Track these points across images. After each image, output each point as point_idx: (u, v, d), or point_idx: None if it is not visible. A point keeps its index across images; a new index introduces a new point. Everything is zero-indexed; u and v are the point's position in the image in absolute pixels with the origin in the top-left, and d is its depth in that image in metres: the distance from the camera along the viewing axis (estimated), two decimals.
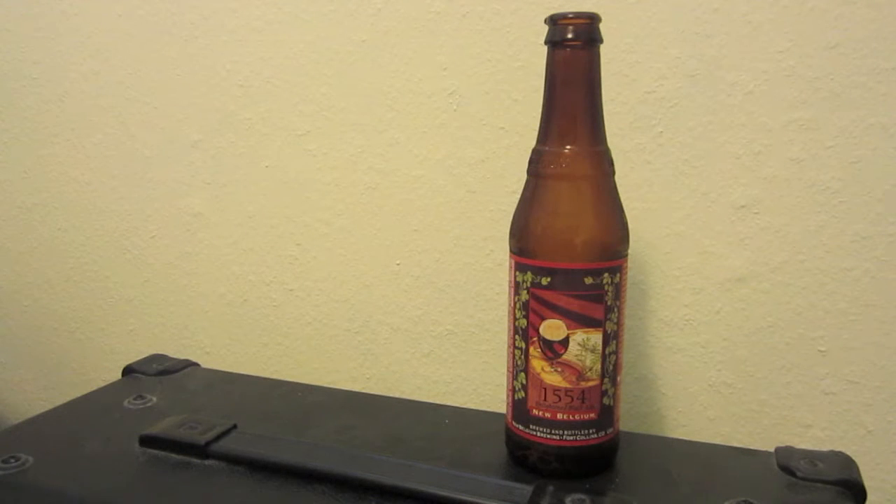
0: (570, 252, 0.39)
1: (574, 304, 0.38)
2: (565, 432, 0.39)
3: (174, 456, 0.42)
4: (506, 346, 0.42)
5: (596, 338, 0.39)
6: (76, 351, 0.78)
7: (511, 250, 0.41)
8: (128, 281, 0.73)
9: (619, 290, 0.39)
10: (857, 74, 0.47)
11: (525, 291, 0.39)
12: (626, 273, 0.40)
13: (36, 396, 0.81)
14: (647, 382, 0.55)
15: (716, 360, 0.53)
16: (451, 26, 0.56)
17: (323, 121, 0.62)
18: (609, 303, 0.39)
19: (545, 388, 0.39)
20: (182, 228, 0.70)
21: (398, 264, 0.61)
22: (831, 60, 0.48)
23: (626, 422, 0.54)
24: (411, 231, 0.60)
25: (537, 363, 0.39)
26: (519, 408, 0.41)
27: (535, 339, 0.39)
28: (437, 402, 0.53)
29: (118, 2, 0.68)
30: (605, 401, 0.40)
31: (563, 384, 0.39)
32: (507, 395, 0.42)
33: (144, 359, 0.59)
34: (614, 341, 0.40)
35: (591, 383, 0.39)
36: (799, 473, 0.40)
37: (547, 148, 0.40)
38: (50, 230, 0.76)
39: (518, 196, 0.41)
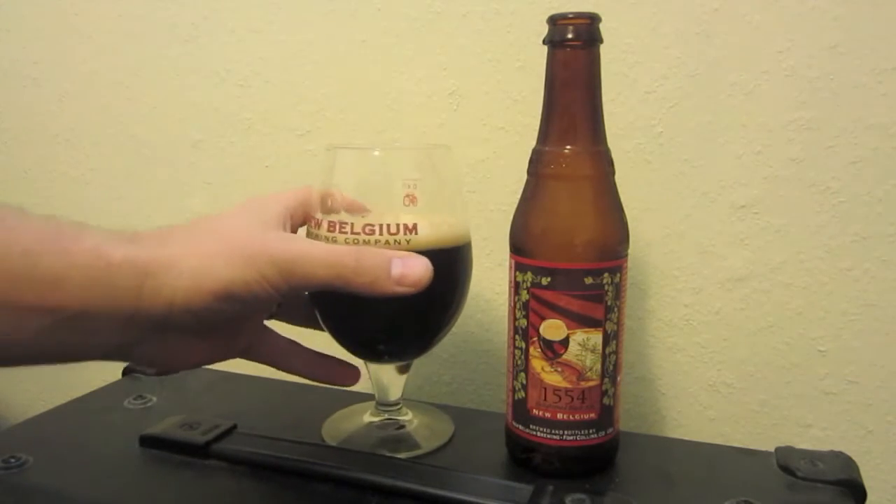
0: (570, 252, 0.39)
1: (574, 304, 0.38)
2: (565, 432, 0.39)
3: (174, 456, 0.42)
4: (506, 346, 0.42)
5: (596, 338, 0.39)
6: None
7: (511, 250, 0.41)
8: None
9: (619, 290, 0.39)
10: (857, 74, 0.47)
11: (525, 291, 0.39)
12: (626, 273, 0.40)
13: (36, 396, 0.81)
14: (647, 382, 0.55)
15: (716, 360, 0.53)
16: (451, 26, 0.56)
17: (323, 121, 0.62)
18: (609, 303, 0.39)
19: (545, 388, 0.39)
20: None
21: None
22: (831, 60, 0.48)
23: (626, 422, 0.54)
24: None
25: (537, 363, 0.39)
26: (519, 408, 0.41)
27: (535, 339, 0.39)
28: (437, 402, 0.53)
29: (118, 2, 0.68)
30: (605, 401, 0.40)
31: (563, 384, 0.39)
32: (507, 395, 0.42)
33: None
34: (614, 341, 0.40)
35: (591, 383, 0.39)
36: (799, 473, 0.40)
37: (547, 148, 0.40)
38: None
39: (518, 196, 0.41)
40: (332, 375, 0.45)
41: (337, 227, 0.41)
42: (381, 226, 0.40)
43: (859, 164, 0.48)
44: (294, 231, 0.40)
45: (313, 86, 0.62)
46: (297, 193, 0.40)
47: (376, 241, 0.40)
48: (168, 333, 0.32)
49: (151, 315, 0.30)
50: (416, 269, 0.35)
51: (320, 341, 0.46)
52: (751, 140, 0.50)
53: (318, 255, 0.34)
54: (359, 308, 0.42)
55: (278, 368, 0.43)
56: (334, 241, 0.40)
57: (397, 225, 0.40)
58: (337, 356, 0.45)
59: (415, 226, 0.40)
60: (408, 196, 0.41)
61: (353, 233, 0.40)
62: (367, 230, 0.40)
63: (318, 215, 0.42)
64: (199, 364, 0.38)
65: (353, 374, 0.45)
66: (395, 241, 0.40)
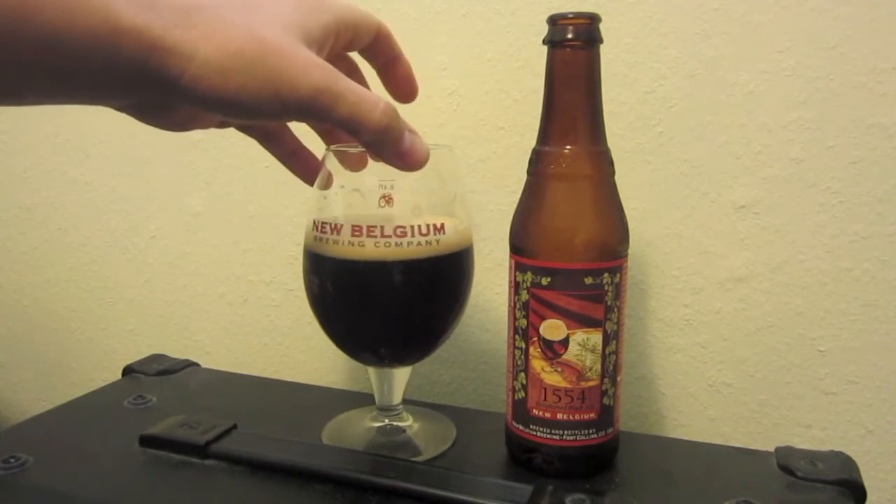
0: (570, 252, 0.39)
1: (574, 304, 0.38)
2: (565, 432, 0.39)
3: (174, 456, 0.42)
4: (506, 346, 0.42)
5: (596, 338, 0.39)
6: (76, 351, 0.78)
7: (511, 250, 0.41)
8: (128, 281, 0.73)
9: (619, 290, 0.39)
10: (857, 74, 0.47)
11: (525, 291, 0.39)
12: (626, 273, 0.40)
13: (36, 396, 0.81)
14: (647, 382, 0.55)
15: (716, 360, 0.53)
16: (451, 26, 0.56)
17: None
18: (609, 303, 0.39)
19: (545, 388, 0.39)
20: (182, 228, 0.70)
21: None
22: (831, 60, 0.48)
23: (626, 422, 0.54)
24: None
25: (537, 363, 0.39)
26: (519, 408, 0.41)
27: (535, 339, 0.39)
28: (437, 402, 0.53)
29: None
30: (605, 401, 0.40)
31: (563, 384, 0.39)
32: (507, 396, 0.42)
33: (144, 359, 0.59)
34: (614, 341, 0.40)
35: (591, 383, 0.39)
36: (799, 473, 0.40)
37: (547, 148, 0.40)
38: (50, 230, 0.76)
39: (518, 196, 0.41)
40: (307, 174, 0.43)
41: (364, 230, 0.39)
42: (412, 227, 0.40)
43: (859, 164, 0.48)
44: (327, 53, 0.34)
45: None
46: (355, 12, 0.35)
47: (408, 244, 0.39)
48: (172, 101, 0.30)
49: (153, 86, 0.27)
50: (422, 151, 0.34)
51: (321, 342, 0.46)
52: (751, 140, 0.50)
53: (349, 93, 0.30)
54: (361, 312, 0.42)
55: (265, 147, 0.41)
56: (362, 245, 0.40)
57: (428, 226, 0.40)
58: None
59: (442, 225, 0.40)
60: (384, 197, 0.41)
61: (383, 236, 0.39)
62: (398, 232, 0.39)
63: (336, 220, 0.41)
64: (201, 128, 0.36)
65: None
66: (427, 241, 0.40)
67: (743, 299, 0.52)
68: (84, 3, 0.25)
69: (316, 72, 0.29)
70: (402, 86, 0.40)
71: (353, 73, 0.40)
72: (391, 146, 0.32)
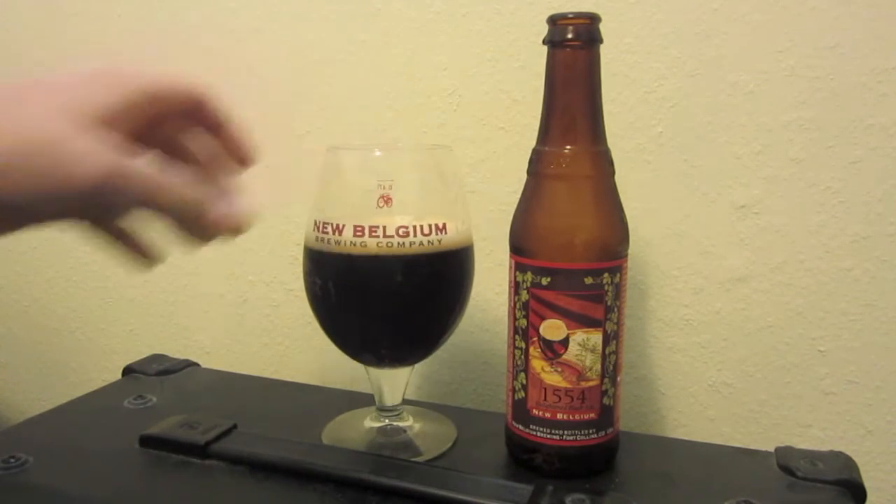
0: (570, 252, 0.39)
1: (574, 304, 0.38)
2: (565, 432, 0.39)
3: (174, 456, 0.42)
4: (506, 346, 0.42)
5: (596, 338, 0.39)
6: (76, 351, 0.78)
7: (511, 250, 0.41)
8: (128, 281, 0.73)
9: (619, 290, 0.39)
10: (857, 74, 0.47)
11: (525, 291, 0.39)
12: (626, 273, 0.40)
13: (36, 396, 0.81)
14: (647, 382, 0.55)
15: (716, 360, 0.53)
16: (451, 26, 0.56)
17: (323, 121, 0.62)
18: (609, 303, 0.39)
19: (545, 388, 0.39)
20: None
21: None
22: (831, 60, 0.48)
23: (626, 422, 0.54)
24: None
25: (537, 363, 0.39)
26: (519, 408, 0.41)
27: (535, 339, 0.39)
28: (437, 402, 0.53)
29: (118, 2, 0.68)
30: (605, 401, 0.40)
31: (563, 384, 0.39)
32: (507, 396, 0.42)
33: (144, 359, 0.59)
34: (614, 341, 0.40)
35: (591, 383, 0.39)
36: (799, 473, 0.40)
37: (547, 148, 0.40)
38: (50, 230, 0.76)
39: (518, 196, 0.41)
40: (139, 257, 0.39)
41: (366, 230, 0.39)
42: (414, 227, 0.40)
43: (859, 164, 0.48)
44: (131, 127, 0.31)
45: (313, 86, 0.62)
46: (160, 82, 0.33)
47: (411, 243, 0.40)
48: None
49: None
50: (239, 216, 0.32)
51: (321, 342, 0.46)
52: (751, 140, 0.50)
53: (136, 176, 0.28)
54: (362, 311, 0.42)
55: None
56: (364, 245, 0.40)
57: (430, 225, 0.40)
58: None
59: (444, 225, 0.40)
60: (382, 197, 0.41)
61: (385, 235, 0.39)
62: (401, 232, 0.39)
63: (338, 220, 0.41)
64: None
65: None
66: (429, 241, 0.40)
67: (743, 299, 0.52)
68: None
69: (95, 158, 0.27)
70: (233, 151, 0.37)
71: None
72: (195, 221, 0.31)
